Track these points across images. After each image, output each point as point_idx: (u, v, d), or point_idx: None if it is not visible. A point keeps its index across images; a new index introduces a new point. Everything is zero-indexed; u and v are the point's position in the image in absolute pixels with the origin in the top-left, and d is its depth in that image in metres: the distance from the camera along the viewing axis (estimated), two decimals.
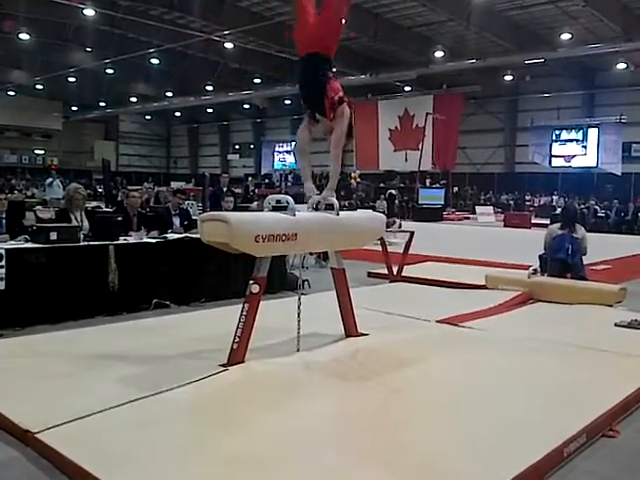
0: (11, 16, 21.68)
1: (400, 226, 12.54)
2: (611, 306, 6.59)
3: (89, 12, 20.65)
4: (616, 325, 5.66)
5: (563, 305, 6.57)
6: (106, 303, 5.93)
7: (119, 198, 14.94)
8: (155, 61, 27.52)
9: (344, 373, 4.17)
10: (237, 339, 4.15)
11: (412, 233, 8.93)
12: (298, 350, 4.55)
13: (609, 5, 19.52)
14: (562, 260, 7.15)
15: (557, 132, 29.40)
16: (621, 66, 24.49)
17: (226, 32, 22.56)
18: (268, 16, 22.16)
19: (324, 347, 4.74)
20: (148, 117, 44.51)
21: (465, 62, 24.30)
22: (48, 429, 3.08)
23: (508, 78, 27.21)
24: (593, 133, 28.21)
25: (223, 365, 4.10)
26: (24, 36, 23.97)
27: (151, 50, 25.34)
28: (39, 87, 33.63)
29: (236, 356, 4.15)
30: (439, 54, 24.03)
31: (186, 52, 26.67)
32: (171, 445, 3.02)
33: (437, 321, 5.75)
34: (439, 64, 24.72)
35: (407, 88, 29.89)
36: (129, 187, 21.60)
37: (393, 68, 26.59)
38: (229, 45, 24.45)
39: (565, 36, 21.46)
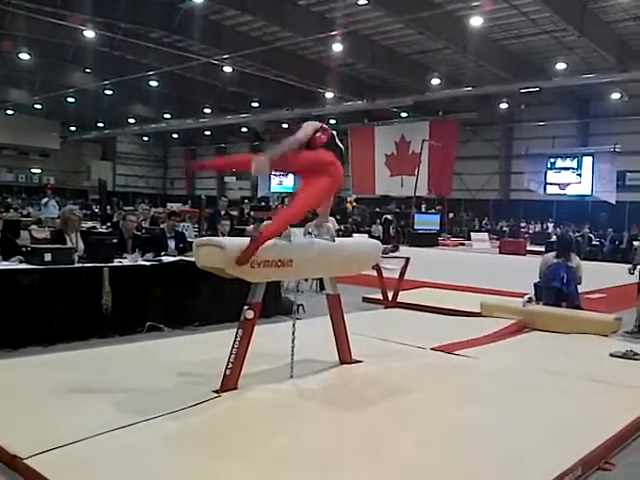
0: (11, 36, 21.83)
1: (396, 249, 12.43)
2: (606, 336, 6.58)
3: (89, 34, 20.81)
4: (611, 355, 5.65)
5: (558, 334, 6.56)
6: (99, 325, 5.89)
7: (115, 219, 14.92)
8: (154, 83, 27.69)
9: (338, 401, 4.13)
10: (230, 365, 4.11)
11: (407, 259, 8.93)
12: (292, 377, 4.51)
13: (604, 36, 19.79)
14: (557, 289, 7.15)
15: (552, 160, 29.59)
16: (616, 96, 24.77)
17: (225, 56, 22.75)
18: (267, 41, 22.37)
19: (318, 374, 4.71)
20: (146, 138, 44.67)
21: (461, 90, 24.55)
22: (37, 455, 3.03)
23: (504, 106, 27.46)
24: (588, 162, 28.41)
25: (216, 391, 4.06)
26: (24, 56, 24.10)
27: (150, 72, 25.49)
28: (38, 106, 33.77)
29: (229, 382, 4.11)
30: (435, 81, 24.26)
31: (185, 75, 26.84)
32: (161, 473, 2.98)
33: (432, 349, 5.72)
34: (435, 91, 24.97)
35: (404, 114, 30.13)
36: (125, 208, 21.63)
37: (390, 94, 26.84)
38: (228, 69, 24.63)
39: (560, 66, 21.72)
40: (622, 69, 20.74)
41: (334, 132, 4.62)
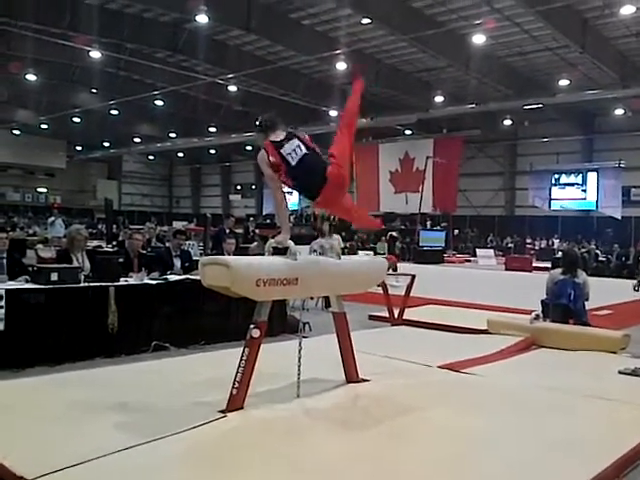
0: (18, 57, 22.08)
1: (396, 269, 12.41)
2: (615, 353, 6.52)
3: (95, 54, 21.06)
4: (620, 372, 5.59)
5: (566, 351, 6.50)
6: (105, 345, 5.88)
7: (120, 237, 14.97)
8: (159, 103, 27.93)
9: (345, 420, 4.10)
10: (236, 384, 4.09)
11: (413, 276, 8.91)
12: (298, 396, 4.48)
13: (606, 53, 19.91)
14: (564, 305, 7.11)
15: (556, 176, 29.61)
16: (619, 112, 24.84)
17: (230, 75, 22.95)
18: (271, 60, 22.58)
19: (325, 393, 4.67)
20: (151, 157, 44.93)
21: (465, 107, 24.68)
22: (43, 476, 3.00)
23: (507, 123, 27.57)
24: (592, 177, 28.40)
25: (222, 411, 4.03)
26: (31, 77, 24.39)
27: (155, 92, 25.73)
28: (44, 126, 34.03)
29: (235, 402, 4.08)
30: (439, 99, 24.41)
31: (190, 94, 27.07)
32: None
33: (439, 366, 5.68)
34: (439, 108, 25.11)
35: (408, 131, 30.26)
36: (131, 227, 21.69)
37: (394, 112, 26.99)
38: (233, 88, 24.85)
39: (563, 82, 21.84)
40: (625, 85, 20.84)
41: (285, 141, 4.30)
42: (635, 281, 8.07)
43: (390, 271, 10.65)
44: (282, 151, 4.26)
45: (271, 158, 4.26)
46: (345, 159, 4.44)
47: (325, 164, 4.30)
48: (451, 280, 15.95)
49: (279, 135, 4.38)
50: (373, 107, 27.32)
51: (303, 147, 4.30)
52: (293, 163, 4.25)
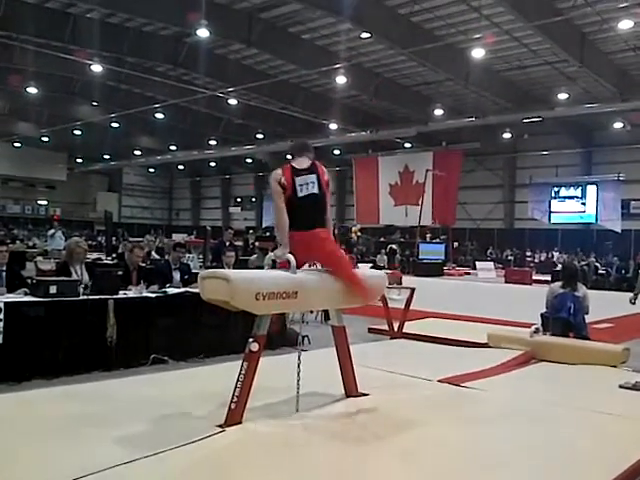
0: (20, 70, 22.19)
1: (400, 283, 12.42)
2: (615, 366, 6.49)
3: (97, 68, 21.16)
4: (620, 387, 5.56)
5: (566, 365, 6.47)
6: (103, 358, 5.86)
7: (120, 250, 14.97)
8: (160, 116, 28.04)
9: (344, 435, 4.07)
10: (235, 399, 4.06)
11: (413, 289, 8.89)
12: (297, 410, 4.45)
13: (605, 67, 20.03)
14: (564, 319, 7.08)
15: (556, 189, 29.66)
16: (618, 125, 24.93)
17: (230, 89, 23.06)
18: (271, 74, 22.70)
19: (324, 407, 4.65)
20: (152, 170, 45.04)
21: (464, 120, 24.78)
22: None
23: (507, 136, 27.64)
24: (592, 190, 28.46)
25: (220, 426, 4.01)
26: (32, 90, 24.50)
27: (156, 105, 25.84)
28: (45, 139, 34.18)
29: (234, 416, 4.05)
30: (439, 112, 24.50)
31: (190, 107, 27.19)
32: None
33: (438, 380, 5.65)
34: (438, 122, 25.20)
35: (407, 145, 30.35)
36: (130, 239, 21.68)
37: (393, 125, 27.10)
38: (233, 101, 24.95)
39: (562, 96, 21.93)
40: (624, 99, 20.94)
41: (304, 172, 4.42)
42: (632, 294, 8.02)
43: (395, 285, 10.68)
44: (297, 179, 4.39)
45: (283, 179, 4.38)
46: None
47: (324, 223, 4.49)
48: (451, 293, 15.93)
49: (303, 162, 4.53)
50: (372, 120, 27.47)
51: (316, 186, 4.43)
52: (299, 194, 4.38)
